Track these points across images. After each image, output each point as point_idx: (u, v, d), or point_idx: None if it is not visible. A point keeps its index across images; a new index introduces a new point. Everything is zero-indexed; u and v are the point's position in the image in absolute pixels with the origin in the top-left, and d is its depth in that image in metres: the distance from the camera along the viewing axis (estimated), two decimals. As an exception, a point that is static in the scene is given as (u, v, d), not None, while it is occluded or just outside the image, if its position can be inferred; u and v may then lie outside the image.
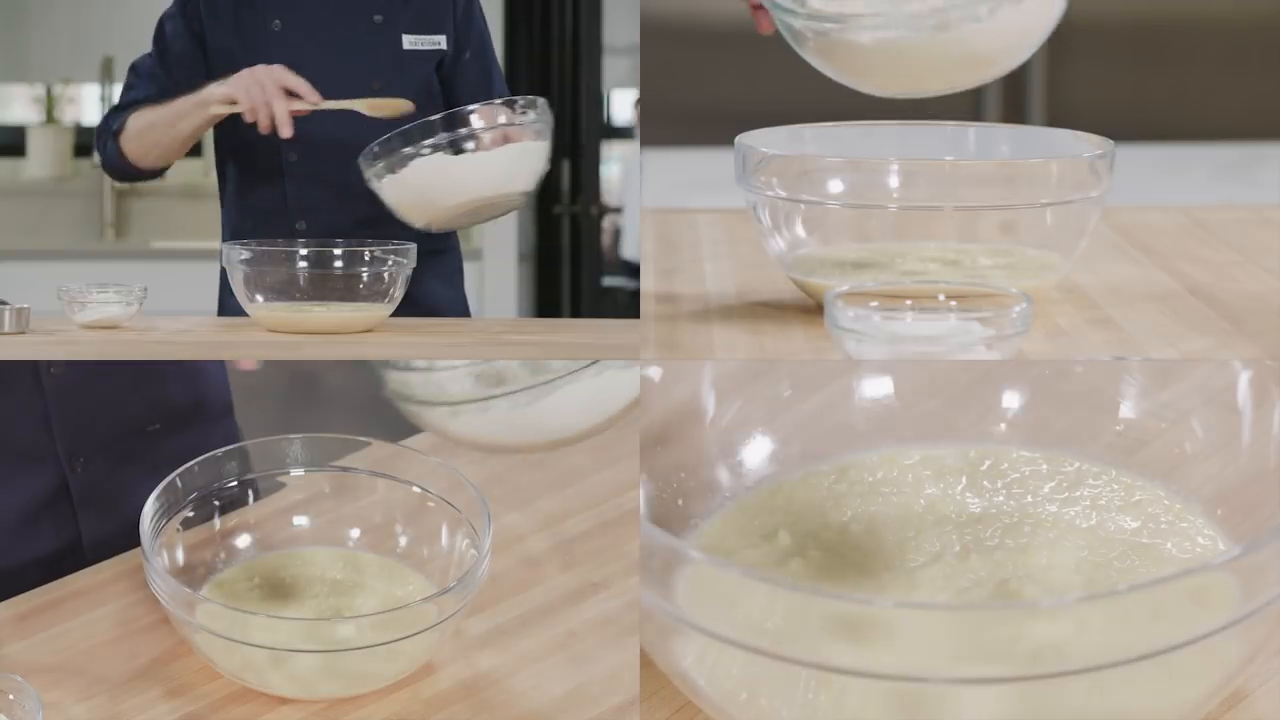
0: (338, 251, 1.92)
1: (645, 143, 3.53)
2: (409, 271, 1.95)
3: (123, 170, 2.16)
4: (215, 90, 2.03)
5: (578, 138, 4.46)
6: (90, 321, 1.89)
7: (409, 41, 2.18)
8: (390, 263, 1.93)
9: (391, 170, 1.96)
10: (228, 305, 2.16)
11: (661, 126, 3.38)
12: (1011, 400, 1.54)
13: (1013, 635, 1.15)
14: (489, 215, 2.03)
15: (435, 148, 1.94)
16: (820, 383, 1.55)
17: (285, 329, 1.90)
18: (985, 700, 1.17)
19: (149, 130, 2.11)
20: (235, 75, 2.02)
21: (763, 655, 1.19)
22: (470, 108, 1.95)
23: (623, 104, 4.66)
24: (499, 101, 1.98)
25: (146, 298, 1.93)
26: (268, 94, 1.99)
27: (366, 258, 1.92)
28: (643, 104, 3.51)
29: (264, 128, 2.00)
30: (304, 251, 1.92)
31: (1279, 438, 1.41)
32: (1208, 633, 1.17)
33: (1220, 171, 3.50)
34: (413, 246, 1.96)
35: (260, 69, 2.00)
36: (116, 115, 2.14)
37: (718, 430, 1.52)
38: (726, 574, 1.22)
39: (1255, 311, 1.63)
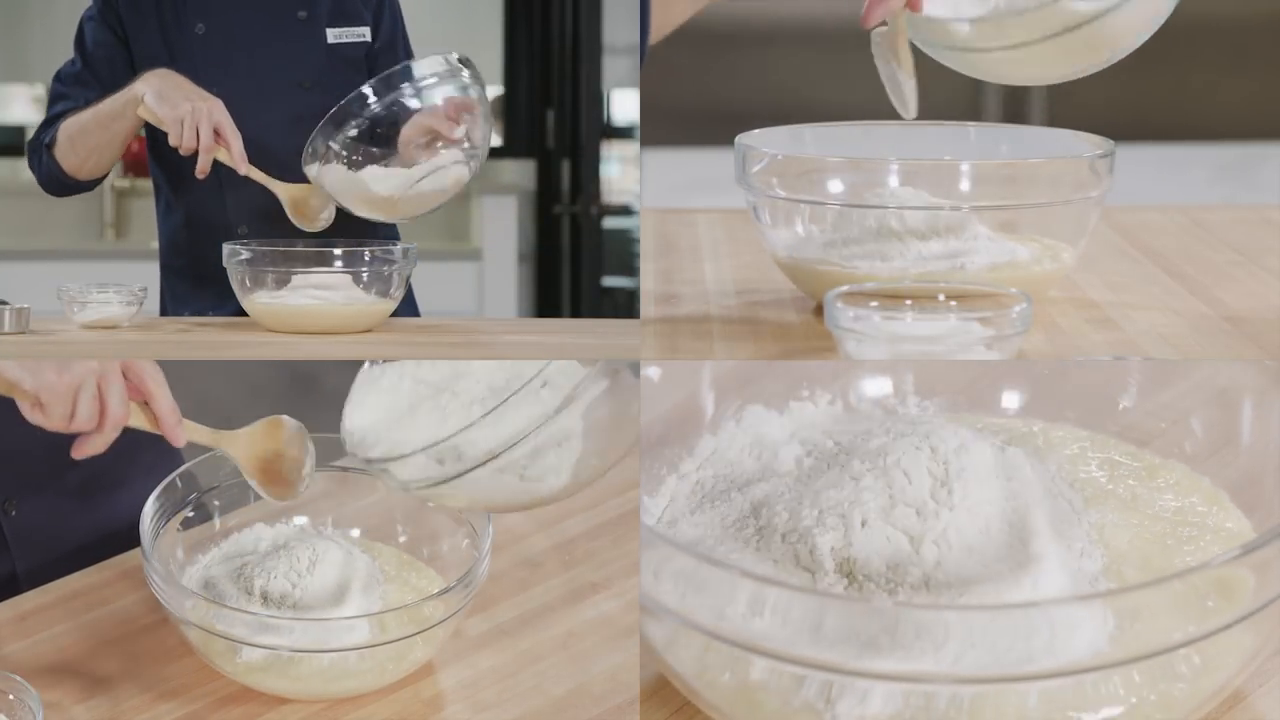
0: (338, 251, 1.93)
1: (645, 143, 3.53)
2: (410, 271, 1.95)
3: (60, 183, 2.07)
4: (148, 100, 1.94)
5: (578, 138, 4.46)
6: (90, 321, 1.89)
7: (333, 35, 2.11)
8: (390, 262, 1.93)
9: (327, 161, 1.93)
10: (169, 312, 2.14)
11: (661, 126, 3.38)
12: (1011, 400, 1.54)
13: (1013, 634, 1.15)
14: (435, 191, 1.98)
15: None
16: (820, 383, 1.55)
17: (285, 328, 1.90)
18: (987, 699, 1.17)
19: (81, 136, 2.03)
20: (172, 99, 1.94)
21: (762, 655, 1.19)
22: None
23: (623, 104, 4.66)
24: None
25: (146, 298, 1.93)
26: (201, 141, 1.91)
27: (366, 257, 1.92)
28: (643, 104, 3.51)
29: (186, 154, 1.94)
30: (303, 253, 1.92)
31: (1279, 438, 1.41)
32: (1207, 633, 1.17)
33: (1220, 171, 3.50)
34: (413, 246, 1.96)
35: (201, 108, 1.93)
36: (47, 129, 2.06)
37: (717, 430, 1.52)
38: (726, 574, 1.22)
39: (1255, 311, 1.63)
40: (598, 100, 4.47)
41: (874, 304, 1.39)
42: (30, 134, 2.10)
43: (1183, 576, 1.17)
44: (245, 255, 1.91)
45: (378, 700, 1.47)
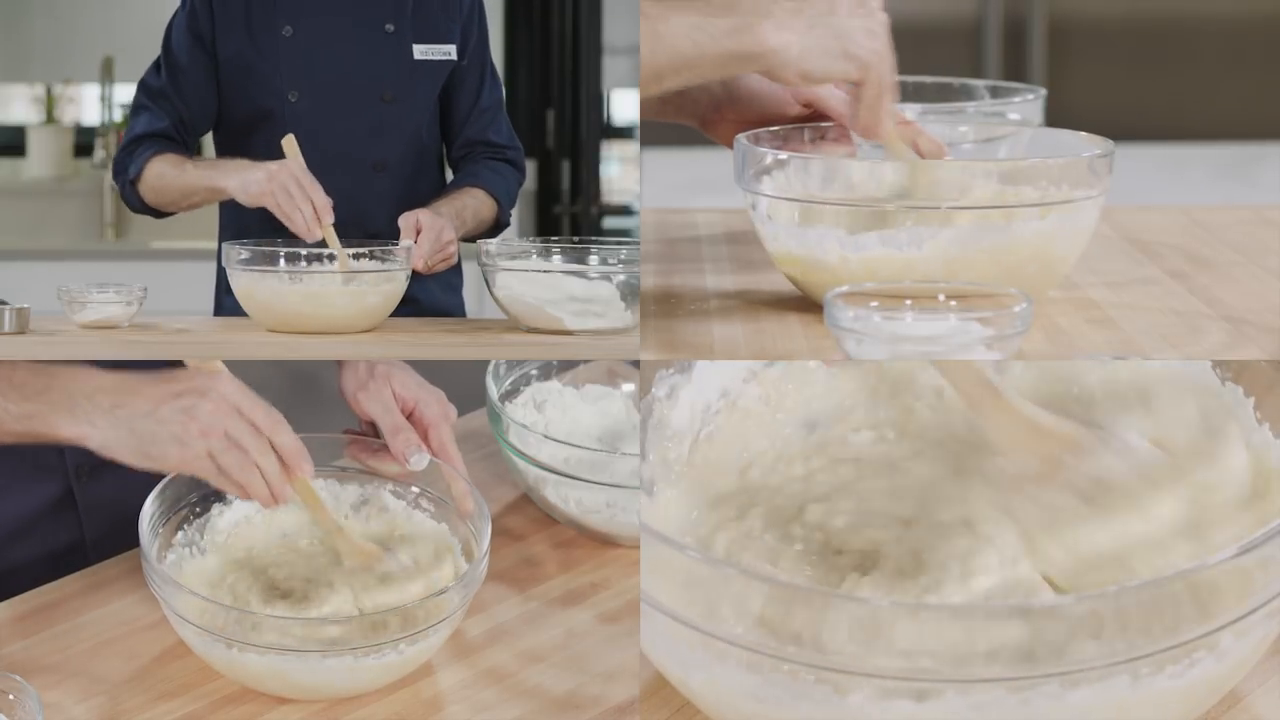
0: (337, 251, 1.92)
1: (645, 143, 3.53)
2: (409, 271, 1.95)
3: (146, 211, 2.14)
4: (236, 193, 1.98)
5: (578, 138, 4.46)
6: (90, 321, 1.89)
7: (420, 51, 2.15)
8: (390, 262, 1.93)
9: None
10: (225, 305, 2.16)
11: (661, 127, 3.37)
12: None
13: (1013, 634, 1.15)
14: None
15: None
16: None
17: (285, 328, 1.90)
18: (984, 698, 1.17)
19: (165, 191, 2.08)
20: (257, 177, 1.96)
21: (762, 655, 1.19)
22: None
23: (623, 104, 4.66)
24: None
25: (146, 298, 1.93)
26: (306, 189, 1.94)
27: (367, 257, 1.92)
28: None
29: (304, 225, 1.95)
30: (304, 252, 1.92)
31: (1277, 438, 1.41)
32: (1206, 632, 1.17)
33: (1220, 171, 3.50)
34: (413, 245, 1.96)
35: (281, 169, 1.95)
36: (131, 156, 2.10)
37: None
38: (726, 573, 1.22)
39: (1255, 311, 1.63)
40: (598, 100, 4.47)
41: (874, 304, 1.39)
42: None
43: (1179, 579, 1.17)
44: (245, 255, 1.91)
45: (378, 700, 1.47)
